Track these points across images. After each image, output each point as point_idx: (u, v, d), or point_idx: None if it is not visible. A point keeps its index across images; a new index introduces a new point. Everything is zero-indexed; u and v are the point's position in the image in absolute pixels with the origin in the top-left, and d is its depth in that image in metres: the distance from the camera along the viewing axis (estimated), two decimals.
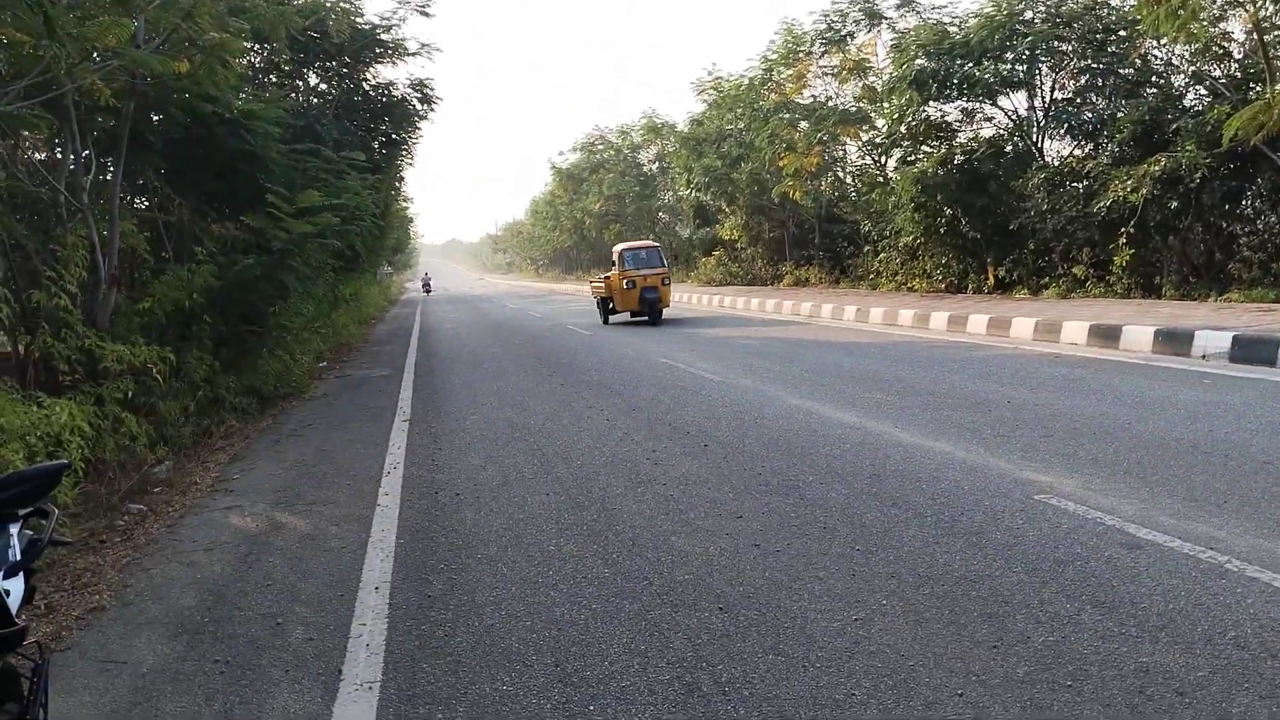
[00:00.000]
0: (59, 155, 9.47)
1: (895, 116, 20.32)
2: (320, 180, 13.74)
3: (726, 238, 35.86)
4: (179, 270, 10.91)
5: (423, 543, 5.37)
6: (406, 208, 62.69)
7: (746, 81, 29.65)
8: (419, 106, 20.24)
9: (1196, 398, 7.95)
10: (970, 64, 17.83)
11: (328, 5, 17.24)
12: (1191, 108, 15.79)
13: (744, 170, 29.91)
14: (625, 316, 21.36)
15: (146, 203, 12.76)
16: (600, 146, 54.11)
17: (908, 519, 5.03)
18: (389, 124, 19.35)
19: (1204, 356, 10.02)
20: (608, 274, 21.81)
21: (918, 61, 18.70)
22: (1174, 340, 10.54)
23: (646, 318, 20.38)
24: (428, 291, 64.81)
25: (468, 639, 3.89)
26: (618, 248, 22.05)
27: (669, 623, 3.88)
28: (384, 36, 18.50)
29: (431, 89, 20.10)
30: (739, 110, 30.28)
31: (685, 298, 30.58)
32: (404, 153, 21.80)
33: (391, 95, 19.24)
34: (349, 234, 12.87)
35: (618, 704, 3.21)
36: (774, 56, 27.40)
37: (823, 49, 24.91)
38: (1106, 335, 11.55)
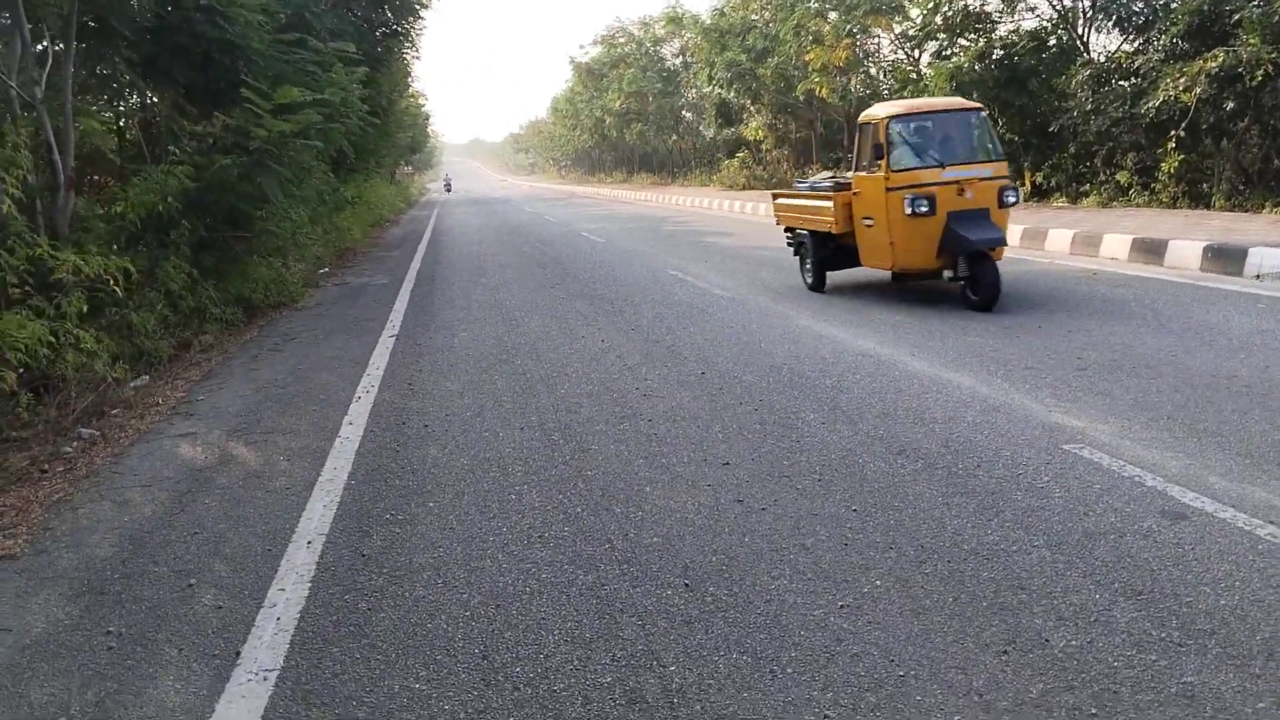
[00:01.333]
0: (4, 45, 8.70)
1: (929, 5, 18.69)
2: (308, 73, 12.90)
3: (752, 138, 34.37)
4: (153, 171, 10.24)
5: (374, 485, 4.84)
6: (421, 105, 61.47)
7: None
8: None
9: (1251, 325, 7.16)
10: None
11: None
12: None
13: (769, 65, 28.29)
14: (881, 275, 10.02)
15: (118, 100, 12.01)
16: (622, 39, 51.81)
17: (916, 471, 4.41)
18: (389, 12, 18.21)
19: (1259, 276, 9.14)
20: (829, 178, 10.60)
21: None
22: (1225, 257, 9.64)
23: (965, 282, 8.53)
24: (449, 191, 66.39)
25: (392, 616, 3.37)
26: (879, 111, 9.23)
27: (624, 601, 3.33)
28: None
29: None
30: None
31: (704, 202, 29.51)
32: (407, 45, 20.72)
33: None
34: (332, 133, 12.05)
35: (543, 717, 2.67)
36: None
37: None
38: (1151, 250, 10.64)
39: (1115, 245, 11.21)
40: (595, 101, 55.50)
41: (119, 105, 12.69)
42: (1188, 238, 10.64)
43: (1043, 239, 12.57)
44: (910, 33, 21.86)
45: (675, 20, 38.22)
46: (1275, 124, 13.94)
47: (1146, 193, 15.30)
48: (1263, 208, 13.25)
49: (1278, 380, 5.50)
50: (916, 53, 22.55)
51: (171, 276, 9.38)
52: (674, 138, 47.07)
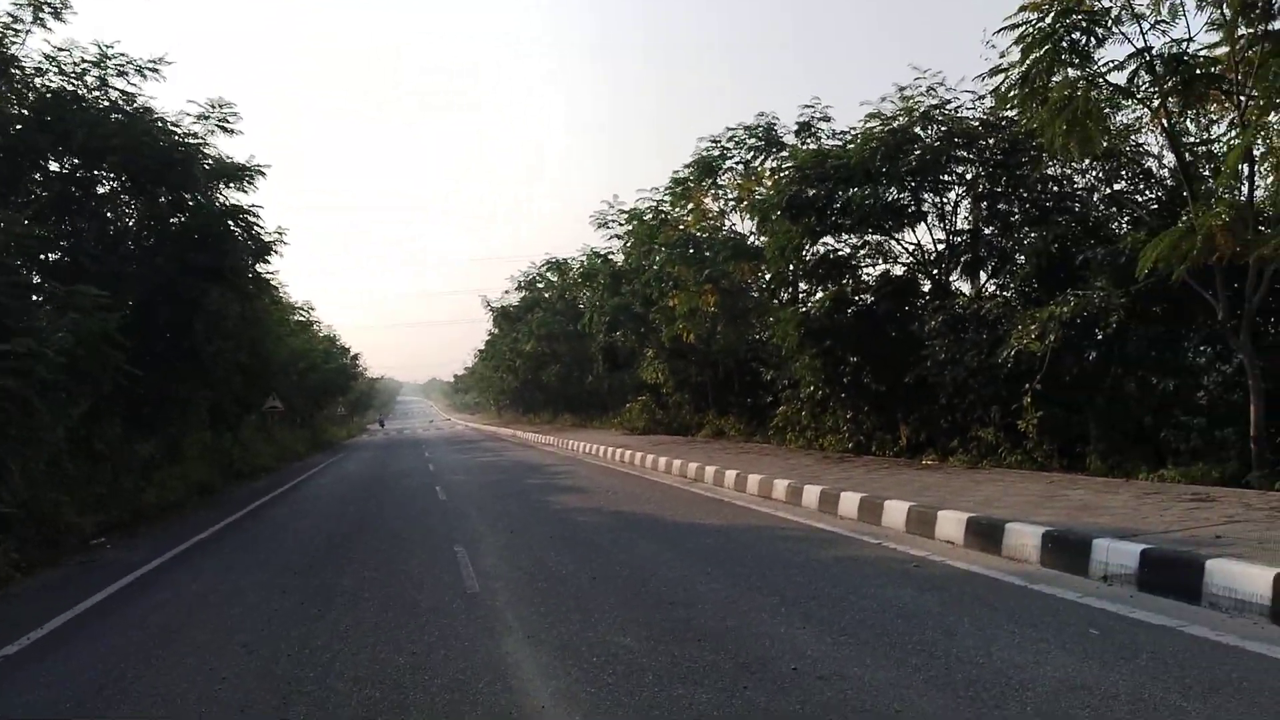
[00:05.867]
0: None
1: (775, 251, 17.71)
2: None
3: (650, 381, 33.08)
4: None
5: None
6: (337, 343, 60.87)
7: (637, 212, 27.36)
8: (242, 235, 17.80)
9: (1065, 671, 4.85)
10: (854, 188, 15.32)
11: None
12: (1104, 235, 13.26)
13: (658, 309, 27.36)
14: None
15: None
16: (540, 285, 52.10)
17: None
18: (206, 255, 16.69)
19: (1105, 578, 6.94)
20: None
21: (793, 186, 16.23)
22: (1067, 550, 7.47)
23: None
24: (381, 430, 67.78)
25: None
26: None
27: None
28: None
29: (254, 217, 17.74)
30: (635, 244, 27.93)
31: (594, 449, 27.55)
32: (239, 287, 19.12)
33: (206, 222, 16.72)
34: (23, 389, 9.91)
35: None
36: (662, 192, 25.37)
37: (711, 181, 22.86)
38: (987, 535, 8.48)
39: (950, 525, 9.04)
40: (513, 343, 55.08)
41: None
42: (1033, 518, 8.55)
43: (880, 514, 10.43)
44: (768, 275, 20.92)
45: (588, 268, 37.93)
46: (1146, 376, 12.43)
47: (1019, 451, 13.45)
48: (1140, 471, 11.39)
49: None
50: (773, 298, 21.59)
51: None
52: (590, 379, 45.97)
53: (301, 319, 43.31)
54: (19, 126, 14.09)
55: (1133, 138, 12.97)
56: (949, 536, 8.98)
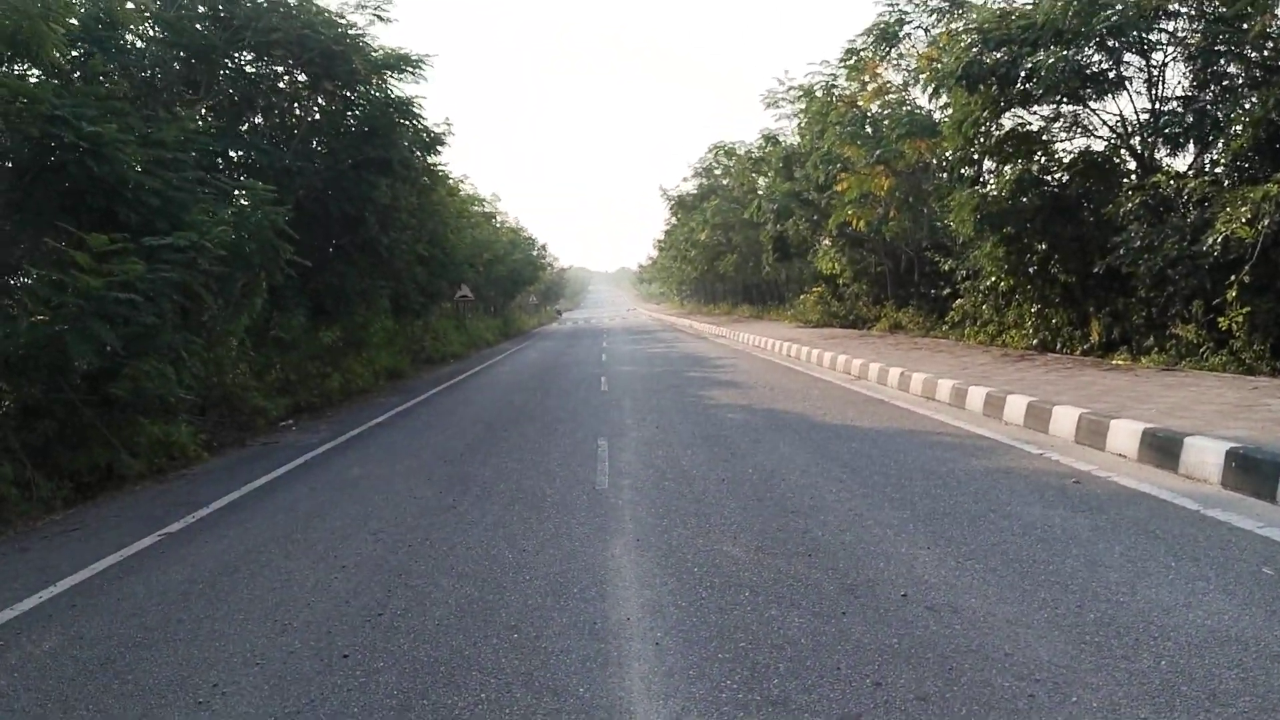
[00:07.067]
0: None
1: (953, 126, 15.99)
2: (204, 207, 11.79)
3: (827, 271, 31.86)
4: None
5: None
6: (523, 234, 62.46)
7: (809, 89, 25.60)
8: (409, 127, 18.20)
9: (1219, 619, 4.19)
10: (1042, 52, 13.43)
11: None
12: None
13: (831, 195, 25.97)
14: None
15: None
16: (718, 171, 50.87)
17: None
18: (374, 147, 17.18)
19: None
20: None
21: (972, 50, 14.55)
22: (1254, 470, 6.48)
23: None
24: (559, 321, 70.93)
25: None
26: None
27: None
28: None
29: (419, 108, 18.05)
30: (809, 124, 26.27)
31: (766, 343, 27.07)
32: (410, 179, 19.71)
33: (372, 115, 17.17)
34: (189, 280, 10.64)
35: None
36: (835, 64, 23.48)
37: (887, 50, 20.88)
38: (1164, 449, 7.53)
39: (1124, 437, 8.11)
40: (689, 234, 54.59)
41: None
42: (1220, 431, 7.51)
43: (1047, 420, 9.53)
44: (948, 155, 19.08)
45: (759, 153, 36.49)
46: None
47: (1223, 351, 11.87)
48: None
49: None
50: (951, 179, 19.68)
51: None
52: (766, 269, 44.98)
53: (485, 210, 44.51)
54: (197, 26, 14.79)
55: None
56: (1121, 449, 8.07)
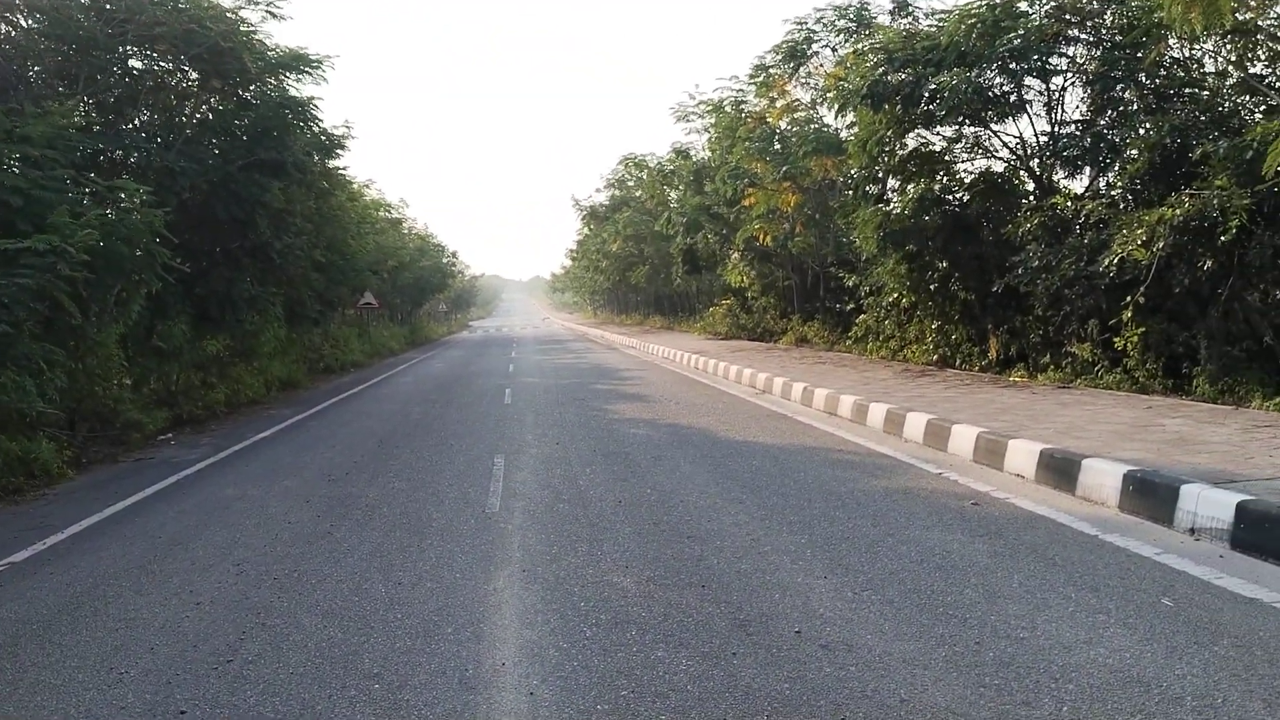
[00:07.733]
0: None
1: (857, 144, 16.17)
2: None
3: (735, 284, 32.00)
4: None
5: None
6: (432, 240, 61.28)
7: (718, 104, 25.73)
8: (304, 129, 17.42)
9: (1121, 657, 4.03)
10: (945, 74, 13.63)
11: None
12: (1232, 126, 11.46)
13: (739, 209, 26.08)
14: None
15: None
16: (630, 183, 50.84)
17: None
18: (265, 149, 16.32)
19: (1192, 530, 6.00)
20: None
21: (878, 70, 14.71)
22: (1151, 494, 6.49)
23: None
24: (469, 331, 70.04)
25: None
26: None
27: None
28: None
29: (316, 109, 17.31)
30: (718, 138, 26.41)
31: (671, 354, 26.98)
32: (306, 182, 18.91)
33: (263, 115, 16.32)
34: (49, 286, 9.79)
35: None
36: (744, 80, 23.62)
37: (794, 68, 21.08)
38: (1061, 471, 7.53)
39: (1021, 457, 8.10)
40: (602, 245, 54.39)
41: None
42: (1117, 453, 7.55)
43: (946, 438, 9.52)
44: (853, 173, 19.30)
45: (669, 165, 36.50)
46: (1268, 288, 10.92)
47: (1118, 370, 12.15)
48: (1250, 399, 10.08)
49: None
50: (856, 196, 19.92)
51: None
52: (677, 281, 45.06)
53: (391, 216, 43.36)
54: (78, 16, 13.84)
55: (1273, 9, 11.06)
56: (1019, 469, 8.06)
